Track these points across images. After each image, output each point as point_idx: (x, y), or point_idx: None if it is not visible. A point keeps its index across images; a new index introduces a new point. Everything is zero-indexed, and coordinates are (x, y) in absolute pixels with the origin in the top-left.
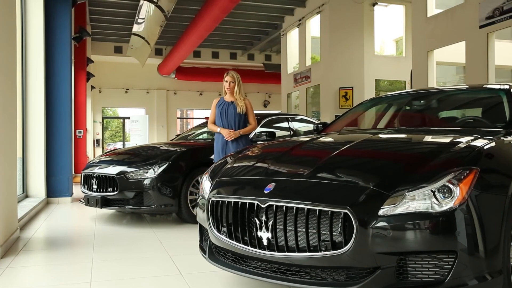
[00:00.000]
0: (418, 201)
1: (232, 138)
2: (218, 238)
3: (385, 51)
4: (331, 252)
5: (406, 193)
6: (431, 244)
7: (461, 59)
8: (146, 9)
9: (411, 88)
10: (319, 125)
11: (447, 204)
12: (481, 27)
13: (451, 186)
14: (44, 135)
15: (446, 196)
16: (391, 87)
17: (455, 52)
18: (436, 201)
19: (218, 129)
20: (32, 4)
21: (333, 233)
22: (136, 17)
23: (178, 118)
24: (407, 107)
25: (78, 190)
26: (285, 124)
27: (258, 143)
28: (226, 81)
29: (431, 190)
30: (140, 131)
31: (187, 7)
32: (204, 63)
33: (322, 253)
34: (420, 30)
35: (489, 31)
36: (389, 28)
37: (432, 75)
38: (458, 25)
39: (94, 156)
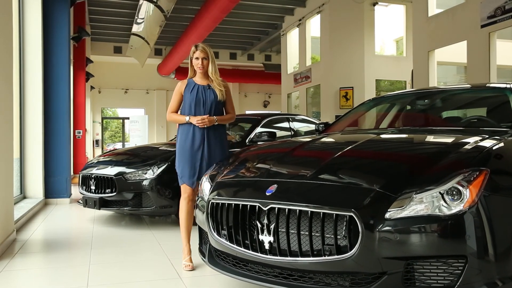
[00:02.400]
0: (426, 203)
1: (207, 125)
2: (218, 241)
3: (386, 51)
4: (336, 256)
5: (414, 196)
6: (440, 248)
7: (462, 59)
8: (145, 9)
9: (412, 88)
10: (321, 125)
11: (456, 207)
12: (482, 26)
13: (460, 188)
14: (42, 135)
15: (455, 198)
16: (392, 87)
17: (456, 52)
18: (444, 204)
19: (187, 118)
20: (30, 3)
21: (338, 237)
22: (136, 17)
23: None
24: (411, 107)
25: (77, 191)
26: (285, 124)
27: (258, 143)
28: (197, 58)
29: (440, 192)
30: (140, 131)
31: (186, 7)
32: None
33: (326, 257)
34: (421, 29)
35: (491, 31)
36: (389, 28)
37: (433, 75)
38: (459, 24)
39: (93, 157)
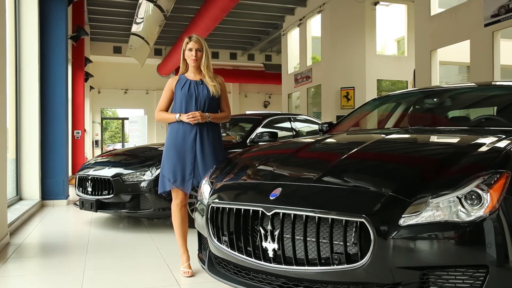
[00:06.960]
0: (443, 209)
1: (199, 120)
2: (219, 248)
3: (387, 51)
4: (345, 266)
5: (430, 200)
6: (459, 257)
7: (465, 59)
8: (145, 9)
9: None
10: (325, 125)
11: (476, 213)
12: (486, 25)
13: (480, 192)
14: (38, 135)
15: (474, 203)
16: (393, 87)
17: (458, 51)
18: (463, 209)
19: (177, 116)
20: (26, 1)
21: (347, 245)
22: (135, 17)
23: None
24: (419, 106)
25: (74, 193)
26: (287, 125)
27: (260, 144)
28: (190, 49)
29: (457, 197)
30: (139, 131)
31: (186, 6)
32: None
33: (335, 266)
34: (423, 29)
35: (494, 30)
36: (391, 27)
37: (435, 74)
38: (462, 23)
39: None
